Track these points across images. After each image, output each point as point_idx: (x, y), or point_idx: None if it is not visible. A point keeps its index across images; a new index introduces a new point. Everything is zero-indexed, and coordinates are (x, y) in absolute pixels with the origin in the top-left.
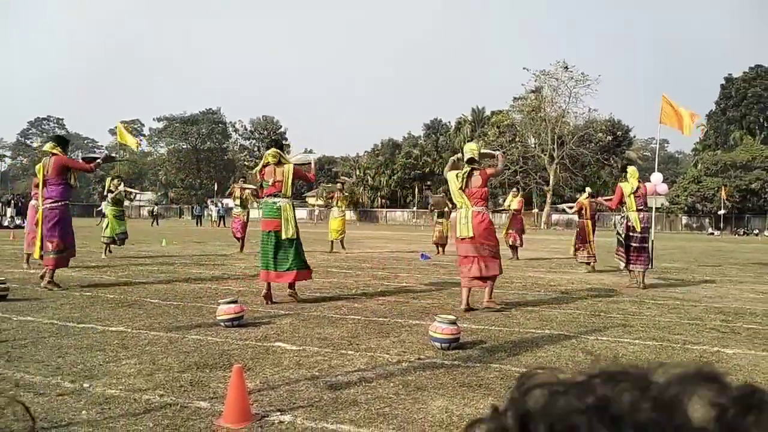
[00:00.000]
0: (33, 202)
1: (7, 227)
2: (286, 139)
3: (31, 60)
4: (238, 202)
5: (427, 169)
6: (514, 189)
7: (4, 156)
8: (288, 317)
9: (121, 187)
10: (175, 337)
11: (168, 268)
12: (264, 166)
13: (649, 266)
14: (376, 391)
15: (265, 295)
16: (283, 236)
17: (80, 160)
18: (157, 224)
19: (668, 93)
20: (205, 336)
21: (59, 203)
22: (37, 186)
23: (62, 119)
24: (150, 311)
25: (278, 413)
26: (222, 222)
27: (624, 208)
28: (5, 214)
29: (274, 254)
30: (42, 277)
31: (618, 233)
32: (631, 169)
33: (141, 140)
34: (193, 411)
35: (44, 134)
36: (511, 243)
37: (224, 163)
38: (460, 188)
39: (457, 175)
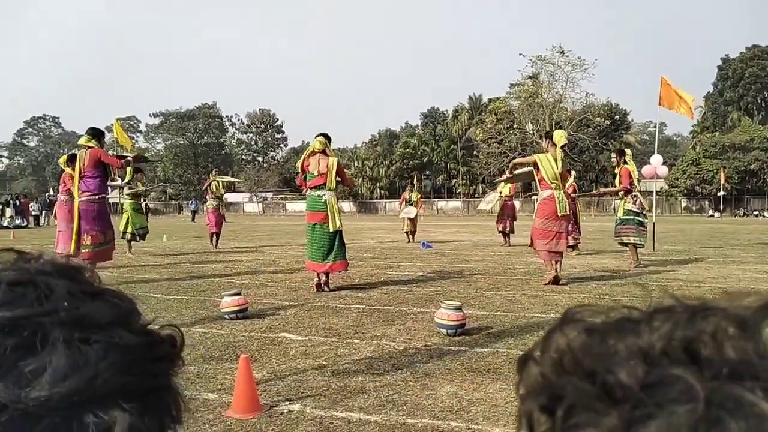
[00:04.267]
0: (62, 197)
1: (7, 227)
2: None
3: (25, 59)
4: (212, 195)
5: (426, 159)
6: (502, 174)
7: (1, 156)
8: (292, 308)
9: (141, 185)
10: (175, 324)
11: (170, 263)
12: (309, 155)
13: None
14: (384, 378)
15: (317, 284)
16: (331, 228)
17: (111, 157)
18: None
19: (666, 75)
20: (210, 329)
21: (97, 196)
22: (66, 182)
23: (58, 118)
24: (153, 306)
25: (287, 403)
26: (194, 217)
27: (633, 188)
28: (4, 215)
29: (320, 245)
30: None
31: (632, 212)
32: (629, 152)
33: (134, 140)
34: (202, 403)
35: (40, 133)
36: (501, 229)
37: (222, 157)
38: (560, 172)
39: (554, 158)
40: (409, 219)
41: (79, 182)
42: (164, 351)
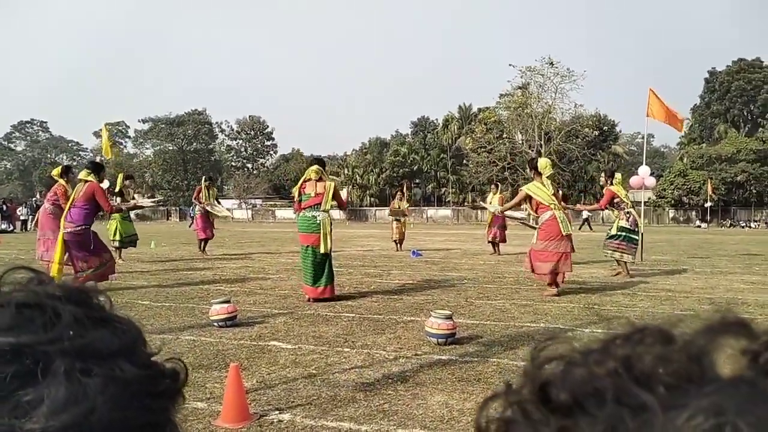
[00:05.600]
0: (47, 205)
1: None
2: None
3: (13, 62)
4: (202, 201)
5: (416, 167)
6: (493, 185)
7: None
8: (281, 316)
9: (143, 200)
10: (169, 338)
11: (158, 269)
12: (305, 181)
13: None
14: (375, 387)
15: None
16: (321, 250)
17: (106, 199)
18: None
19: (654, 86)
20: (199, 336)
21: (80, 227)
22: (59, 194)
23: (46, 122)
24: (142, 313)
25: (277, 412)
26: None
27: (623, 206)
28: None
29: (313, 269)
30: None
31: (625, 228)
32: (619, 176)
33: (123, 146)
34: (191, 412)
35: (28, 138)
36: (490, 239)
37: (211, 163)
38: (553, 193)
39: (543, 184)
40: (398, 227)
41: (67, 212)
42: (165, 386)
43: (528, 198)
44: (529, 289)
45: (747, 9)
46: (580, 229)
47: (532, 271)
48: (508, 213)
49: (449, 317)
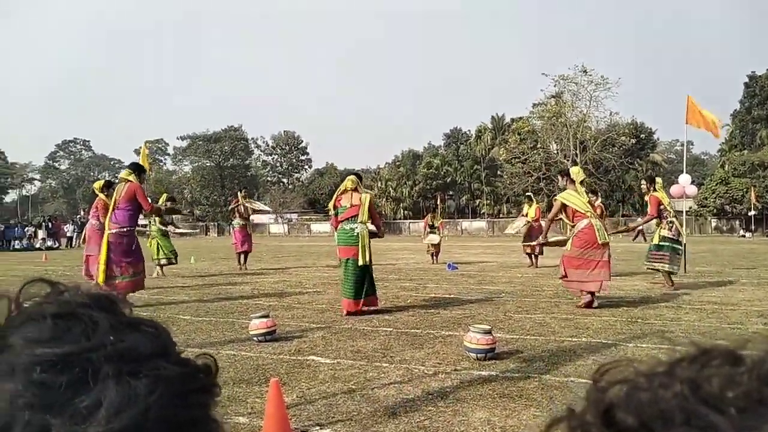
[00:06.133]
0: (93, 221)
1: (40, 249)
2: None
3: (58, 83)
4: (239, 215)
5: (449, 179)
6: (528, 196)
7: (33, 179)
8: (319, 330)
9: (181, 226)
10: (210, 352)
11: (198, 284)
12: (341, 193)
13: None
14: (415, 403)
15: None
16: (360, 262)
17: (146, 198)
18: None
19: (692, 93)
20: (239, 351)
21: (125, 229)
22: (99, 208)
23: (89, 141)
24: (183, 328)
25: (317, 428)
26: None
27: (666, 214)
28: (37, 236)
29: (354, 281)
30: None
31: (668, 239)
32: (660, 180)
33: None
34: (233, 426)
35: (72, 156)
36: (528, 251)
37: (247, 179)
38: (588, 201)
39: (577, 191)
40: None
41: (112, 213)
42: (203, 381)
43: (563, 207)
44: (569, 303)
45: None
46: (634, 240)
47: (564, 277)
48: (550, 238)
49: (488, 332)
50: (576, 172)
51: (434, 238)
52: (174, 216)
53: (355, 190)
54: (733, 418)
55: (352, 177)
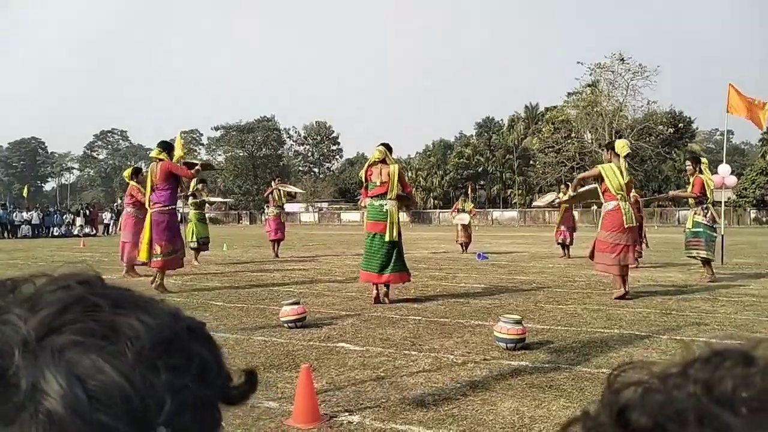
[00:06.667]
0: (128, 209)
1: (77, 236)
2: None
3: (96, 75)
4: (273, 203)
5: (480, 169)
6: (563, 186)
7: (73, 168)
8: (349, 318)
9: (205, 195)
10: (241, 338)
11: (230, 271)
12: (370, 165)
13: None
14: (443, 392)
15: (375, 296)
16: (387, 238)
17: (180, 168)
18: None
19: (733, 79)
20: (270, 337)
21: (167, 207)
22: (133, 195)
23: (126, 131)
24: (215, 313)
25: (346, 414)
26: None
27: (703, 199)
28: (75, 224)
29: (378, 256)
30: (152, 281)
31: (701, 224)
32: (705, 161)
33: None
34: (263, 411)
35: (109, 146)
36: (560, 241)
37: (279, 168)
38: (626, 183)
39: (618, 168)
40: (464, 229)
41: (151, 194)
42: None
43: (599, 178)
44: (602, 294)
45: None
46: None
47: (591, 257)
48: (578, 190)
49: (519, 322)
50: (621, 146)
51: (464, 217)
52: (207, 197)
53: (384, 161)
54: (746, 418)
55: (381, 147)
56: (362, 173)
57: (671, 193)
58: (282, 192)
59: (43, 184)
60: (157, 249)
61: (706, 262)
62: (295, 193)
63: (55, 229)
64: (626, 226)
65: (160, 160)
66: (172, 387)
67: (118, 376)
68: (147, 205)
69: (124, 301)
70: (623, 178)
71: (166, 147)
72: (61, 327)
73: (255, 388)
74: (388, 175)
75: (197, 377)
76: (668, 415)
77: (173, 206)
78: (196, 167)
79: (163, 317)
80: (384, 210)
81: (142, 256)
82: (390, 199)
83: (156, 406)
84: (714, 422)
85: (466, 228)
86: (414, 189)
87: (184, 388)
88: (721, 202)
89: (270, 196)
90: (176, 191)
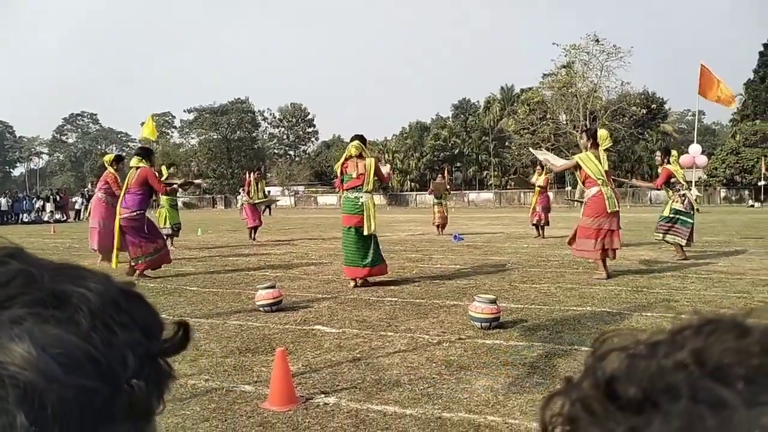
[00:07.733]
0: (100, 194)
1: (48, 222)
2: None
3: (63, 55)
4: (248, 195)
5: (457, 151)
6: (538, 167)
7: (41, 153)
8: (325, 301)
9: (177, 180)
10: (216, 323)
11: (205, 256)
12: (346, 159)
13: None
14: (419, 371)
15: (354, 284)
16: (365, 232)
17: (159, 181)
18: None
19: (705, 60)
20: (246, 321)
21: (135, 213)
22: (110, 182)
23: (96, 114)
24: (190, 298)
25: (322, 395)
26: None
27: (678, 187)
28: (45, 210)
29: (357, 248)
30: (128, 270)
31: (678, 211)
32: (675, 153)
33: (169, 136)
34: (239, 395)
35: (79, 130)
36: (535, 222)
37: (254, 151)
38: (606, 169)
39: (596, 157)
40: (440, 210)
41: (122, 199)
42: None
43: (577, 167)
44: (575, 273)
45: None
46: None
47: (570, 243)
48: (551, 160)
49: (493, 301)
50: (603, 137)
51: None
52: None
53: (360, 156)
54: (741, 391)
55: (356, 143)
56: (338, 166)
57: (633, 181)
58: (260, 185)
59: (11, 170)
60: (139, 252)
61: (679, 245)
62: (271, 202)
63: (25, 215)
64: (609, 211)
65: (139, 167)
66: (128, 344)
67: (79, 340)
68: (118, 210)
69: (57, 270)
70: (603, 165)
71: (146, 154)
72: (8, 301)
73: (189, 339)
74: (365, 167)
75: (142, 333)
76: (659, 387)
77: (142, 211)
78: (173, 186)
79: (99, 281)
80: (359, 203)
81: (113, 263)
82: (366, 191)
83: (120, 364)
84: (707, 396)
85: (443, 210)
86: (391, 170)
87: (137, 343)
88: (692, 182)
89: (249, 188)
90: (149, 198)
